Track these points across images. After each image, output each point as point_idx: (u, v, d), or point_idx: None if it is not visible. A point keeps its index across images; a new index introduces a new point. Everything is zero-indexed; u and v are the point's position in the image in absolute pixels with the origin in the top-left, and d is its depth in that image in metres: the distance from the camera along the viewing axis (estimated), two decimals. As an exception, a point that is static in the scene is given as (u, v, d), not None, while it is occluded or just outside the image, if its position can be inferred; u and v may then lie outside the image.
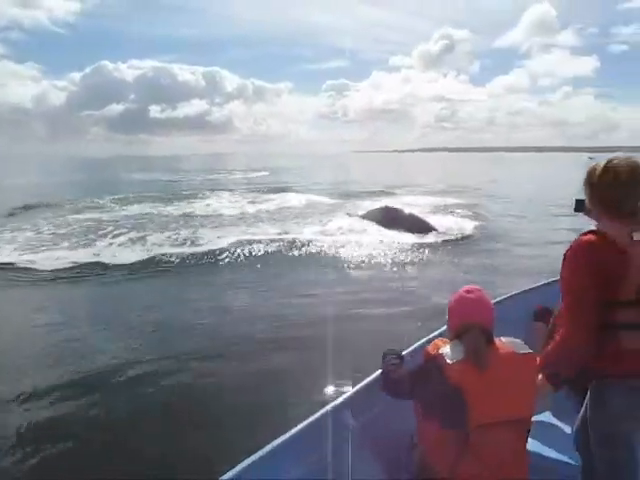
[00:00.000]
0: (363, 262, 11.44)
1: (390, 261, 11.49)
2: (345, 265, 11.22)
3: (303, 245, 13.10)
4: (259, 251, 12.44)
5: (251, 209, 21.67)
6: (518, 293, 4.30)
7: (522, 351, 2.16)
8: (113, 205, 23.23)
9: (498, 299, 3.92)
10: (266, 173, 56.41)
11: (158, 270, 10.91)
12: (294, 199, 25.22)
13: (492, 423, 2.06)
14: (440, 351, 2.17)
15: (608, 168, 2.12)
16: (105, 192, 28.69)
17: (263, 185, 36.18)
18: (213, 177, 49.74)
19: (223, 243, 13.41)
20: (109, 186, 35.34)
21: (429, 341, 2.92)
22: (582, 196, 2.23)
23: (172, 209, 21.61)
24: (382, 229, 15.24)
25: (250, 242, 13.36)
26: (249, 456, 2.18)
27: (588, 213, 2.22)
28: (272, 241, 13.56)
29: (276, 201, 24.39)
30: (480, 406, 2.05)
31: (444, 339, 2.38)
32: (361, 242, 13.51)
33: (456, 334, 2.22)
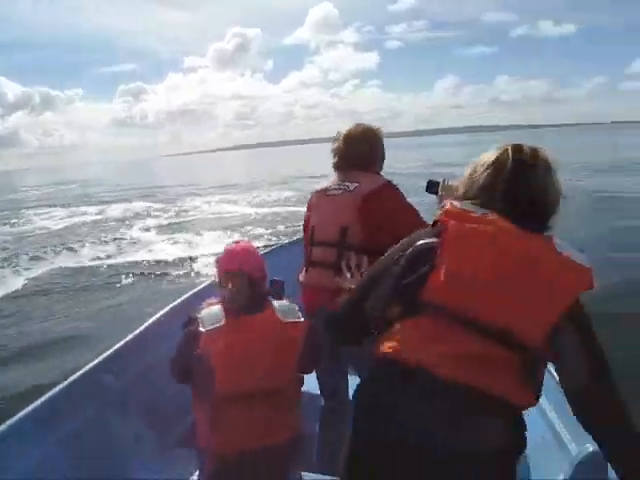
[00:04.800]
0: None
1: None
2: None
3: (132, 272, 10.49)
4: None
5: (65, 224, 19.29)
6: (287, 243, 4.58)
7: (288, 319, 2.10)
8: None
9: (268, 249, 4.25)
10: (74, 185, 51.05)
11: None
12: (115, 210, 23.15)
13: (241, 394, 2.00)
14: (199, 315, 2.08)
15: None
16: None
17: (76, 199, 32.29)
18: (11, 197, 43.00)
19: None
20: None
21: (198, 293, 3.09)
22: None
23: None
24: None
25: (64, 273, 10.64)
26: None
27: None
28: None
29: (99, 215, 21.92)
30: (229, 376, 2.00)
31: (213, 300, 2.21)
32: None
33: (221, 284, 2.15)
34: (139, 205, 24.02)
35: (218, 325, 2.02)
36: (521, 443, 1.33)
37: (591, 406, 1.31)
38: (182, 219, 18.42)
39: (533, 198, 1.35)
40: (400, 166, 31.55)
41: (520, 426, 1.33)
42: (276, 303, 2.15)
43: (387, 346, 1.32)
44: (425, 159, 46.72)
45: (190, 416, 2.31)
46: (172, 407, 2.62)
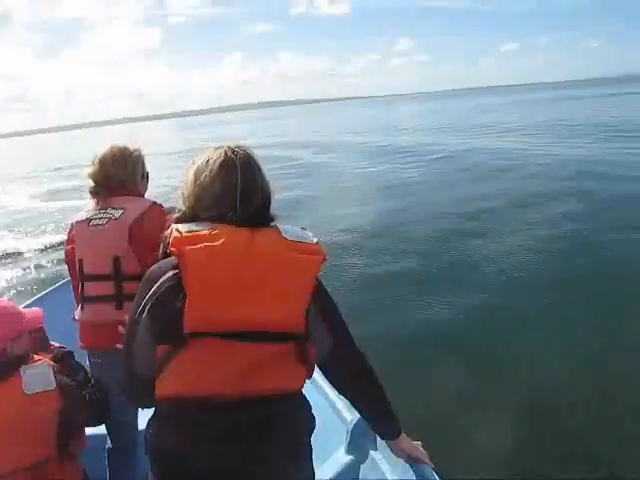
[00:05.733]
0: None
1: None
2: None
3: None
4: None
5: None
6: (64, 283, 3.75)
7: (36, 390, 1.81)
8: None
9: (42, 293, 3.74)
10: None
11: None
12: None
13: None
14: None
15: None
16: None
17: None
18: None
19: None
20: None
21: None
22: None
23: None
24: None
25: None
26: None
27: None
28: None
29: None
30: None
31: None
32: None
33: None
34: None
35: None
36: (313, 422, 1.41)
37: (338, 371, 1.46)
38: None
39: (261, 197, 1.40)
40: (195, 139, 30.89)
41: (308, 407, 1.41)
42: (24, 371, 1.84)
43: (166, 386, 1.29)
44: (217, 137, 46.67)
45: None
46: None
